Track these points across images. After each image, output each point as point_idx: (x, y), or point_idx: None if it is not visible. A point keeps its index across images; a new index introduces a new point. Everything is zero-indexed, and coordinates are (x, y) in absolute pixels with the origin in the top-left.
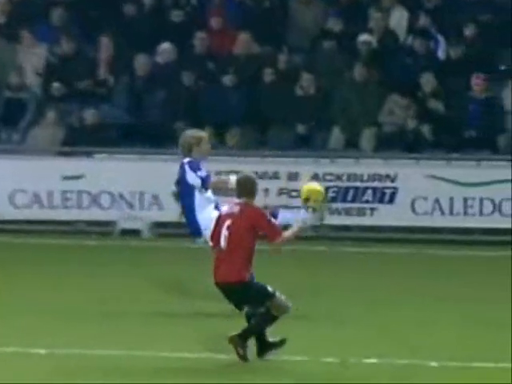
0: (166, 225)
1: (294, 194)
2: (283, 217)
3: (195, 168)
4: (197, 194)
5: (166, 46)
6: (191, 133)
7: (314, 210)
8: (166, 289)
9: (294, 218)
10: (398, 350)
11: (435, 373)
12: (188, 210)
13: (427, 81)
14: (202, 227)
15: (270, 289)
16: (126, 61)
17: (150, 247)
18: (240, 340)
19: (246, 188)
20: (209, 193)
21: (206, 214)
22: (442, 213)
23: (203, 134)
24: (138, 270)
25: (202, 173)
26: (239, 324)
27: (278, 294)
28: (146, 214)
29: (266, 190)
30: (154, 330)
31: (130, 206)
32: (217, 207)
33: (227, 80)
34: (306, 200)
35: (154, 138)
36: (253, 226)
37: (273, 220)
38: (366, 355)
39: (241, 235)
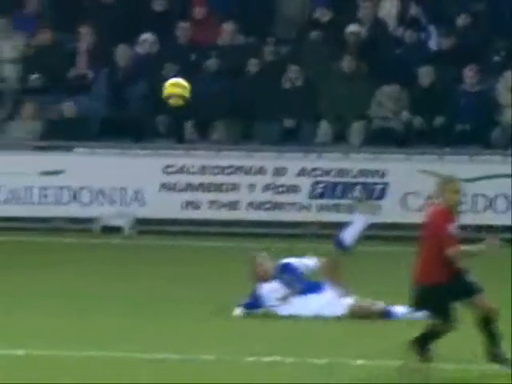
0: (149, 221)
1: (280, 189)
2: (349, 235)
3: None
4: None
5: (147, 36)
6: None
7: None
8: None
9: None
10: None
11: None
12: None
13: (425, 73)
14: None
15: None
16: (106, 52)
17: (132, 245)
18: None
19: None
20: None
21: None
22: None
23: None
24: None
25: None
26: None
27: None
28: (128, 211)
29: (252, 186)
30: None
31: (112, 202)
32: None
33: (211, 72)
34: (168, 97)
35: (136, 131)
36: None
37: None
38: None
39: None
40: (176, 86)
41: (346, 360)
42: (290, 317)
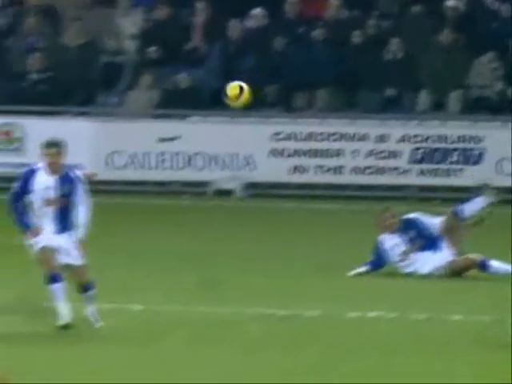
0: (258, 185)
1: (382, 155)
2: (470, 209)
3: None
4: None
5: (257, 10)
6: None
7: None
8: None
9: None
10: None
11: None
12: None
13: None
14: None
15: None
16: (219, 26)
17: (243, 207)
18: None
19: None
20: None
21: None
22: None
23: None
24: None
25: None
26: None
27: None
28: (239, 175)
29: (356, 151)
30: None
31: (224, 167)
32: None
33: (317, 44)
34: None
35: None
36: None
37: None
38: None
39: None
40: (238, 94)
41: (445, 315)
42: (391, 273)
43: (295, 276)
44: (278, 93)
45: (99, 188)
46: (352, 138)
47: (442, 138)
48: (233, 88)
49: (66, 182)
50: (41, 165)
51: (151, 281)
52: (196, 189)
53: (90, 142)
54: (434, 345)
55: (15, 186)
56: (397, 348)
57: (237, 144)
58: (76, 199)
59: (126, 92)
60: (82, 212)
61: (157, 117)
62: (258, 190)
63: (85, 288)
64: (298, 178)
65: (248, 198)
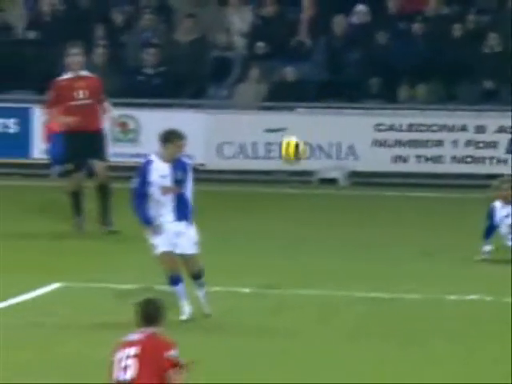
0: (361, 174)
1: (480, 145)
2: None
3: None
4: None
5: (361, 7)
6: None
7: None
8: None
9: None
10: None
11: None
12: None
13: None
14: None
15: None
16: (324, 22)
17: (346, 196)
18: None
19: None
20: None
21: None
22: None
23: None
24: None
25: None
26: None
27: None
28: (343, 164)
29: (455, 142)
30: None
31: (328, 156)
32: None
33: (417, 38)
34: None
35: (350, 93)
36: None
37: None
38: None
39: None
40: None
41: None
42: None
43: (396, 261)
44: (381, 85)
45: (211, 177)
46: (451, 128)
47: None
48: (290, 146)
49: (179, 168)
50: (154, 154)
51: (261, 264)
52: (301, 178)
53: (202, 133)
54: None
55: (135, 181)
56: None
57: (341, 135)
58: (186, 186)
59: (235, 85)
60: (189, 198)
61: (264, 109)
62: (361, 179)
63: (196, 275)
64: (399, 167)
65: (351, 187)
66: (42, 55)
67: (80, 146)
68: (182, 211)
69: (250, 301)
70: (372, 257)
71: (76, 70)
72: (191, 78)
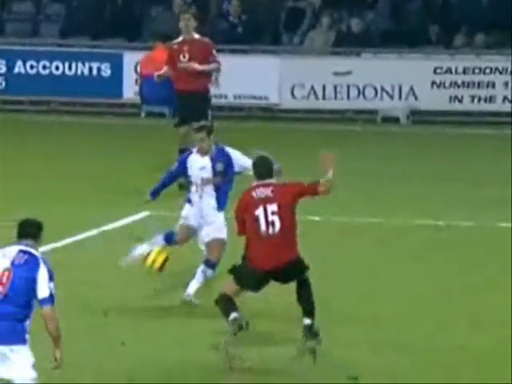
0: (421, 113)
1: None
2: None
3: None
4: None
5: None
6: None
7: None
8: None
9: None
10: None
11: None
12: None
13: None
14: None
15: None
16: None
17: (407, 133)
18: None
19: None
20: None
21: None
22: None
23: None
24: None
25: None
26: None
27: None
28: (404, 104)
29: (506, 83)
30: None
31: (391, 96)
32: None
33: None
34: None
35: (412, 39)
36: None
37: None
38: None
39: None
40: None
41: None
42: None
43: (451, 191)
44: (440, 33)
45: (286, 115)
46: (502, 71)
47: None
48: (160, 257)
49: (219, 160)
50: (195, 148)
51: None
52: (366, 116)
53: (277, 76)
54: None
55: (173, 166)
56: None
57: (403, 77)
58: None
59: (308, 32)
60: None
61: (333, 54)
62: (421, 117)
63: (208, 264)
64: (455, 106)
65: (412, 124)
66: (132, 4)
67: (186, 106)
68: (219, 201)
69: (319, 227)
70: (428, 187)
71: (186, 34)
72: (268, 27)
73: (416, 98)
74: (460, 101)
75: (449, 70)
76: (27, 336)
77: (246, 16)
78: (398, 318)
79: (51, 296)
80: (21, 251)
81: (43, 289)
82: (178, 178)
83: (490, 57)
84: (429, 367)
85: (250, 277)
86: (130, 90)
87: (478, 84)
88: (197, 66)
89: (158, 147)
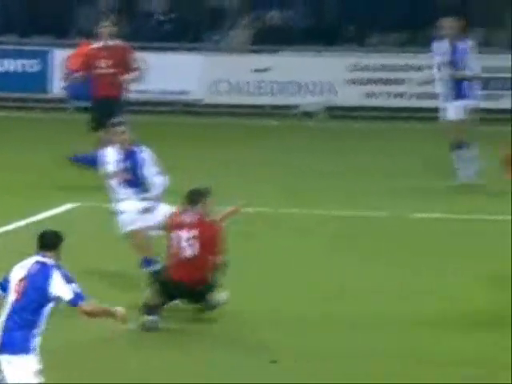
0: (338, 108)
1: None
2: None
3: None
4: None
5: None
6: None
7: None
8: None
9: None
10: None
11: None
12: None
13: None
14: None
15: None
16: None
17: (325, 127)
18: None
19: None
20: None
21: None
22: None
23: None
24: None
25: None
26: None
27: None
28: (322, 99)
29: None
30: None
31: (310, 92)
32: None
33: None
34: None
35: (328, 37)
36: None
37: None
38: None
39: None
40: None
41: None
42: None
43: (367, 182)
44: (355, 31)
45: (207, 110)
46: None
47: None
48: None
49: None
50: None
51: (251, 187)
52: (286, 111)
53: (199, 72)
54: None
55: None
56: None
57: (320, 73)
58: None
59: (228, 31)
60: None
61: (252, 51)
62: (338, 112)
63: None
64: (371, 102)
65: (329, 119)
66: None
67: (103, 111)
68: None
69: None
70: (343, 179)
71: (104, 40)
72: (191, 25)
73: (333, 93)
74: (376, 96)
75: (364, 68)
76: (34, 344)
77: (173, 14)
78: (316, 301)
79: (77, 295)
80: (36, 262)
81: (65, 293)
82: (96, 163)
83: (404, 54)
84: (348, 345)
85: None
86: (57, 86)
87: (392, 81)
88: (122, 78)
89: (84, 140)
